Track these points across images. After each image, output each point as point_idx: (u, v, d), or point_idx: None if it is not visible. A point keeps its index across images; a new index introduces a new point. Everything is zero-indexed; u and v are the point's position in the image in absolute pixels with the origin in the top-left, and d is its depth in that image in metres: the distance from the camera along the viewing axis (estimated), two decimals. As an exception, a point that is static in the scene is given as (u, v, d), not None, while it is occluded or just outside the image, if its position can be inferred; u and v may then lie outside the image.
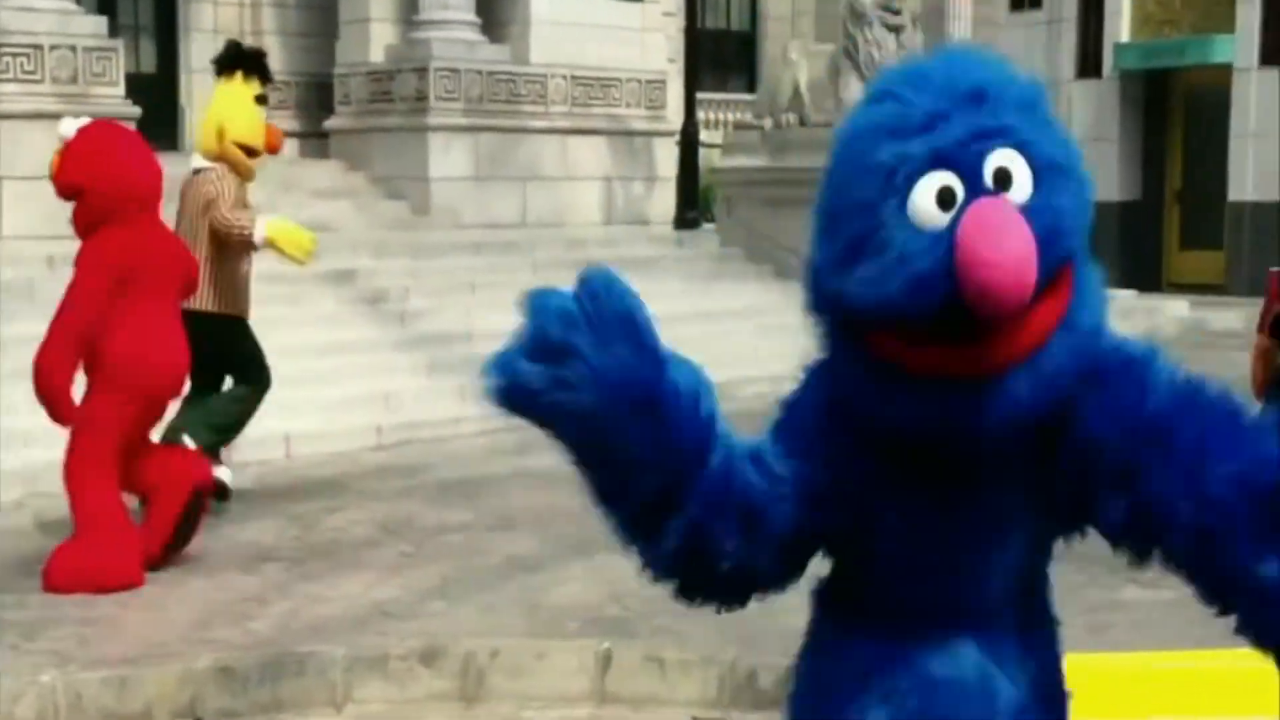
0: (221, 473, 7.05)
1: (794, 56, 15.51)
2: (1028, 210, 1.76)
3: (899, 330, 1.79)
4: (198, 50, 16.64)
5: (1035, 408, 1.83)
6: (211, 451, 6.97)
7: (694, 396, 1.85)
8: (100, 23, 13.76)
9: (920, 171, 1.79)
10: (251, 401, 7.27)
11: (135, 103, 13.44)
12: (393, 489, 7.89)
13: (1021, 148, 1.81)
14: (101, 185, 6.02)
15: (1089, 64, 21.24)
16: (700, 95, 18.70)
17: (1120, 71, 20.80)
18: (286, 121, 15.51)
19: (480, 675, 5.14)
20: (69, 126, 6.20)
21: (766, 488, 1.90)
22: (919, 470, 1.93)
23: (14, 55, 12.93)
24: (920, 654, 2.00)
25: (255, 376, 7.29)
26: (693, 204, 16.82)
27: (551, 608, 5.66)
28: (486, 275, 12.14)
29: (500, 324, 1.96)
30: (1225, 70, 19.31)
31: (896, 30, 13.97)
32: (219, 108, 7.47)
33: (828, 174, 1.93)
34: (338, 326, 10.82)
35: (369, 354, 10.28)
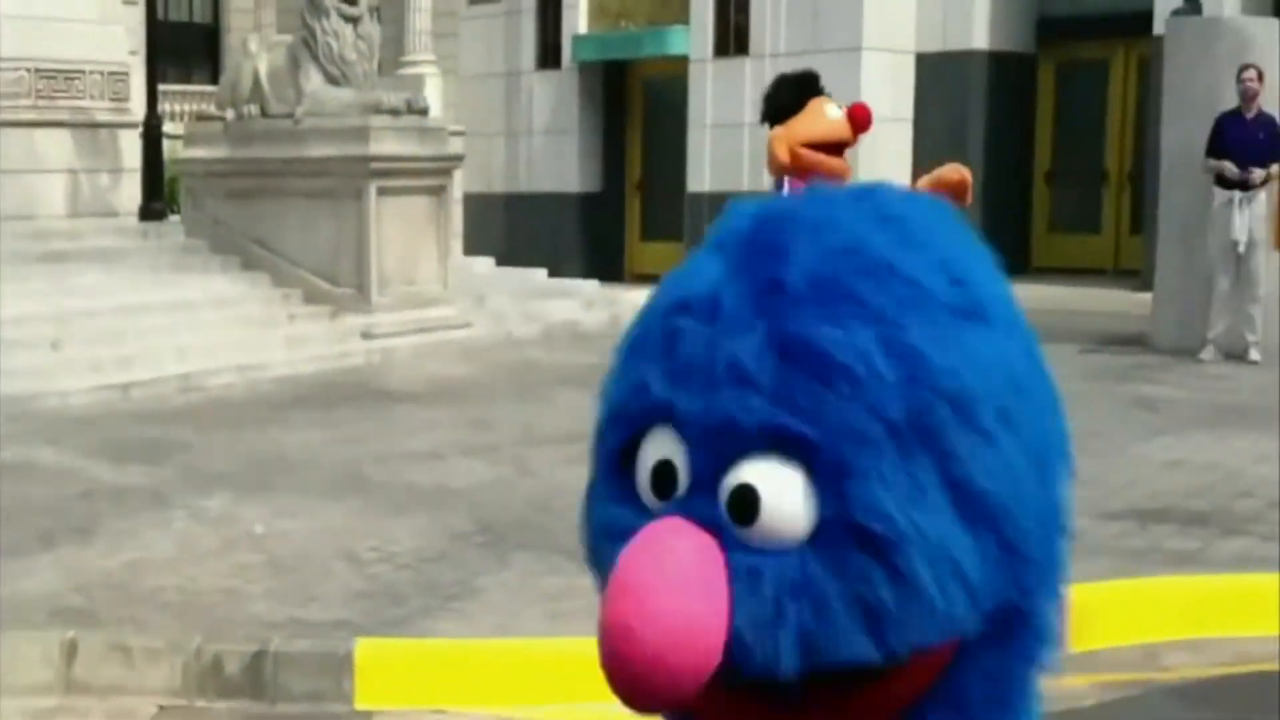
0: None
1: (254, 48, 15.39)
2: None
3: None
4: None
5: None
6: None
7: None
8: None
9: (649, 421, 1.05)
10: None
11: None
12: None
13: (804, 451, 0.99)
14: None
15: (548, 56, 21.09)
16: (163, 87, 18.36)
17: (579, 63, 20.72)
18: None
19: (-55, 666, 5.08)
20: None
21: None
22: None
23: None
24: None
25: None
26: (158, 195, 16.55)
27: (17, 598, 5.70)
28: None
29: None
30: (682, 62, 19.38)
31: (354, 21, 13.98)
32: None
33: None
34: None
35: None
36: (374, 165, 13.31)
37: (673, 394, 1.02)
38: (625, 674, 0.97)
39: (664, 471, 1.03)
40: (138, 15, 19.23)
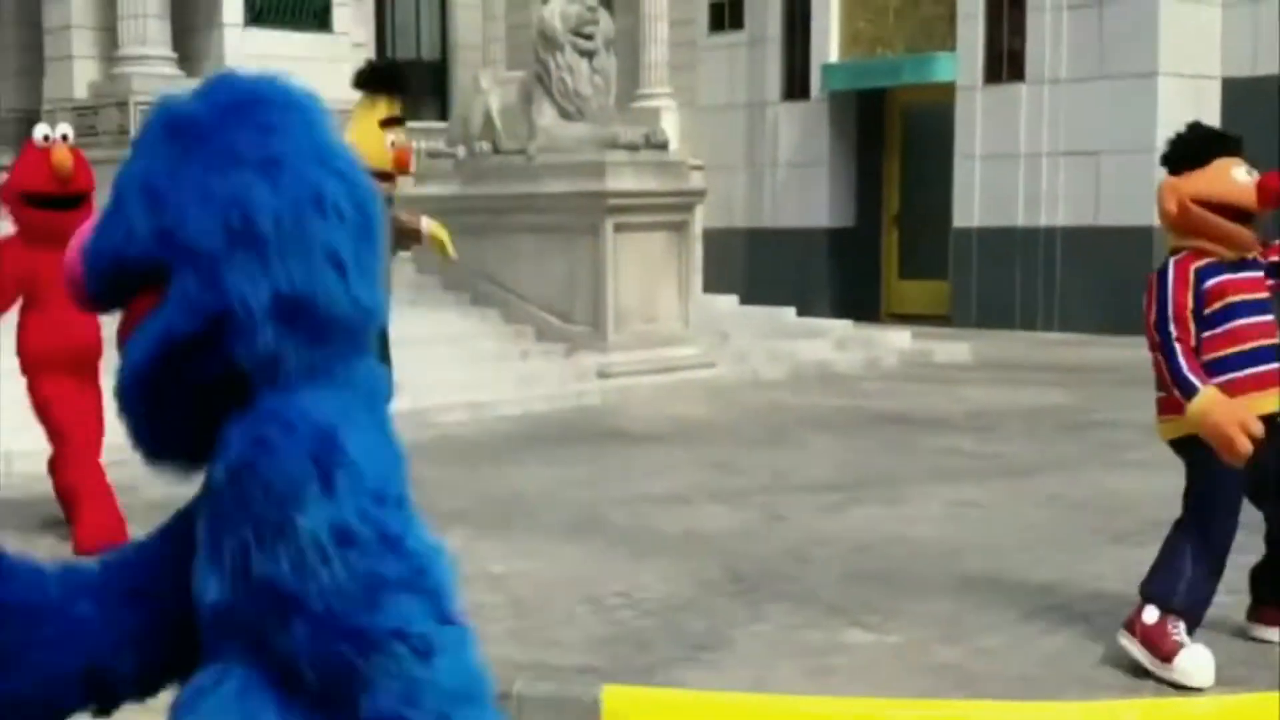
0: None
1: (485, 84, 15.78)
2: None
3: None
4: None
5: None
6: None
7: None
8: None
9: None
10: None
11: None
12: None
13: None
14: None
15: (795, 85, 21.13)
16: (392, 125, 18.88)
17: (830, 92, 20.70)
18: (6, 156, 15.83)
19: None
20: (67, 130, 6.59)
21: None
22: None
23: None
24: None
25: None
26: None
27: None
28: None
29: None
30: (947, 89, 19.22)
31: (589, 55, 14.26)
32: (355, 134, 7.69)
33: None
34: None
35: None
36: (611, 201, 13.52)
37: None
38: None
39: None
40: (366, 54, 19.96)
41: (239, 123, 1.80)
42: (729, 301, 17.20)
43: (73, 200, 6.97)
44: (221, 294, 1.71)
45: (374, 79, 8.14)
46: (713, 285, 18.29)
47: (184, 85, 16.06)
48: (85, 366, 7.18)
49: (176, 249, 1.73)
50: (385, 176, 7.86)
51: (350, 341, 1.79)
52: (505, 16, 25.88)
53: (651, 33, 23.42)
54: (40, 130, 7.00)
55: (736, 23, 22.04)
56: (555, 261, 13.93)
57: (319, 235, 1.75)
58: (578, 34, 14.11)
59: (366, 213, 1.83)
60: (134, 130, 16.28)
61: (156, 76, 16.48)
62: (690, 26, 22.73)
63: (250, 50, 17.46)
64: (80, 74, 17.34)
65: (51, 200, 7.01)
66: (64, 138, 6.97)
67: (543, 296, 13.94)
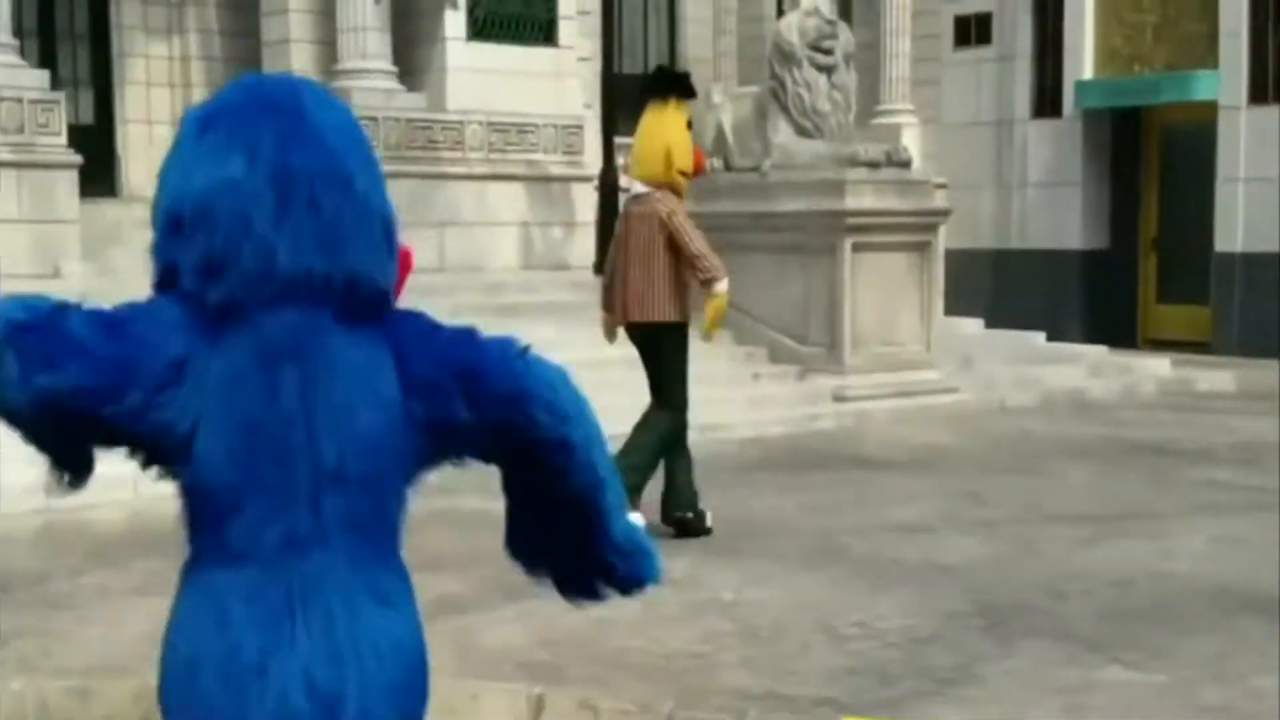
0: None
1: (718, 99, 15.75)
2: None
3: None
4: (132, 102, 17.97)
5: None
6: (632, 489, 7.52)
7: None
8: (43, 76, 14.77)
9: None
10: (666, 426, 8.08)
11: (75, 151, 14.36)
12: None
13: None
14: None
15: (1046, 102, 20.88)
16: (618, 140, 18.96)
17: (1083, 110, 20.40)
18: None
19: (412, 713, 5.29)
20: None
21: None
22: None
23: None
24: None
25: (674, 396, 8.09)
26: (612, 247, 17.09)
27: (483, 649, 5.93)
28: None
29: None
30: (1209, 108, 18.78)
31: (828, 70, 14.10)
32: (667, 135, 8.09)
33: None
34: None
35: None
36: (850, 221, 13.33)
37: None
38: None
39: None
40: (592, 68, 20.09)
41: None
42: (973, 325, 16.88)
43: None
44: None
45: (672, 84, 8.42)
46: (956, 308, 17.99)
47: (404, 99, 16.51)
48: None
49: None
50: (685, 176, 8.26)
51: None
52: (736, 30, 25.90)
53: (893, 47, 23.21)
54: None
55: (984, 38, 21.83)
56: (790, 282, 13.78)
57: None
58: (816, 48, 13.98)
59: None
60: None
61: (377, 90, 16.76)
62: (934, 41, 22.52)
63: (473, 64, 17.68)
64: (299, 88, 17.74)
65: None
66: None
67: (776, 317, 13.80)
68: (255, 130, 2.18)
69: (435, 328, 2.30)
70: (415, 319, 2.30)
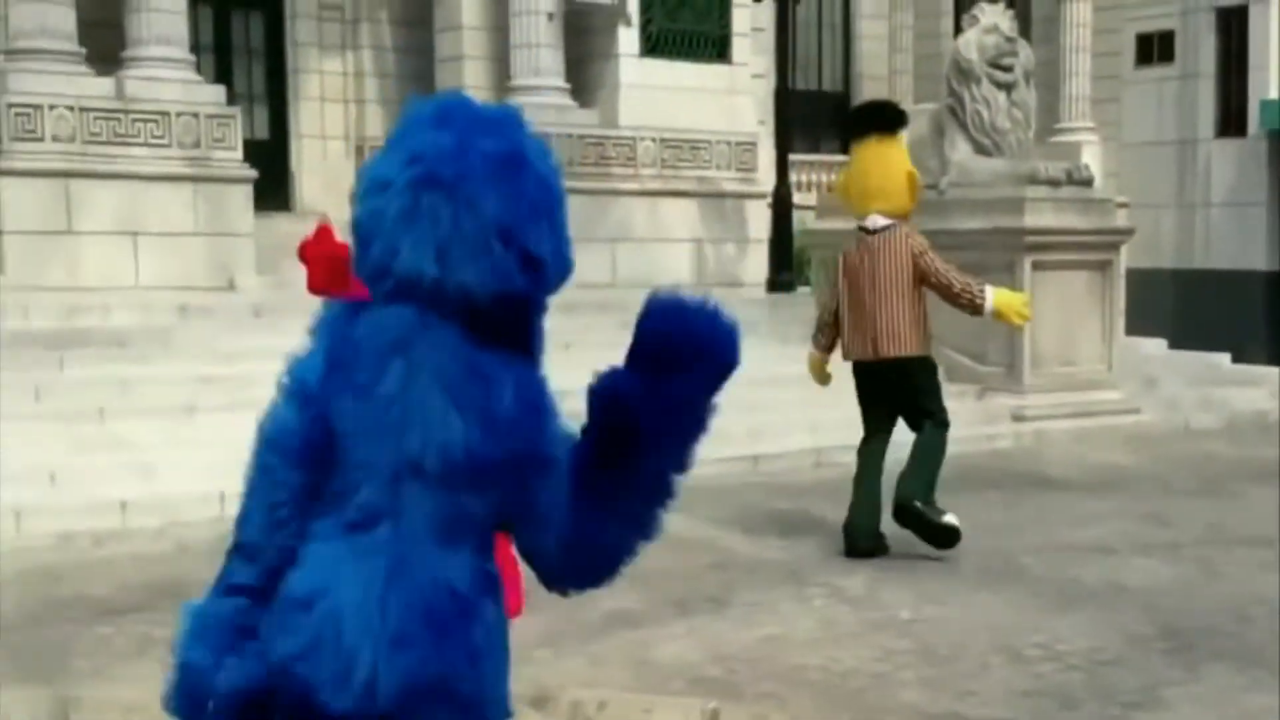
0: (949, 518, 7.87)
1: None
2: None
3: None
4: (306, 117, 18.33)
5: None
6: (929, 501, 7.85)
7: None
8: (219, 91, 15.20)
9: None
10: (943, 439, 8.15)
11: (250, 166, 14.81)
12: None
13: None
14: None
15: (1231, 122, 20.72)
16: (792, 157, 18.94)
17: (1268, 130, 20.14)
18: None
19: (588, 724, 5.34)
20: None
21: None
22: None
23: (144, 121, 14.34)
24: None
25: (942, 413, 8.16)
26: (786, 266, 17.08)
27: (656, 664, 5.93)
28: (580, 335, 12.40)
29: (593, 382, 2.55)
30: None
31: (1007, 87, 13.91)
32: (907, 166, 8.24)
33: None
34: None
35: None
36: (1029, 239, 13.15)
37: None
38: None
39: None
40: (766, 85, 20.07)
41: None
42: (1156, 345, 16.54)
43: None
44: None
45: (899, 118, 8.54)
46: (1137, 328, 17.67)
47: (576, 116, 16.60)
48: None
49: None
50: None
51: None
52: (913, 47, 25.74)
53: (1073, 65, 22.95)
54: None
55: (1166, 56, 21.66)
56: (968, 300, 13.61)
57: None
58: (995, 65, 13.79)
59: None
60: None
61: (549, 107, 16.88)
62: (1115, 59, 22.24)
63: (645, 80, 17.73)
64: (471, 103, 17.89)
65: None
66: None
67: (954, 336, 13.60)
68: (417, 140, 2.42)
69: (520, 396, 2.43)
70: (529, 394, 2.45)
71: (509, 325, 2.46)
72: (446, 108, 2.47)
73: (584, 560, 2.58)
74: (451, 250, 2.36)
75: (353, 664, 2.33)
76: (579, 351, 11.68)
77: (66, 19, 14.17)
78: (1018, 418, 12.82)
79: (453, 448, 2.35)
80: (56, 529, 8.28)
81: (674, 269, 16.70)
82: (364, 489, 2.39)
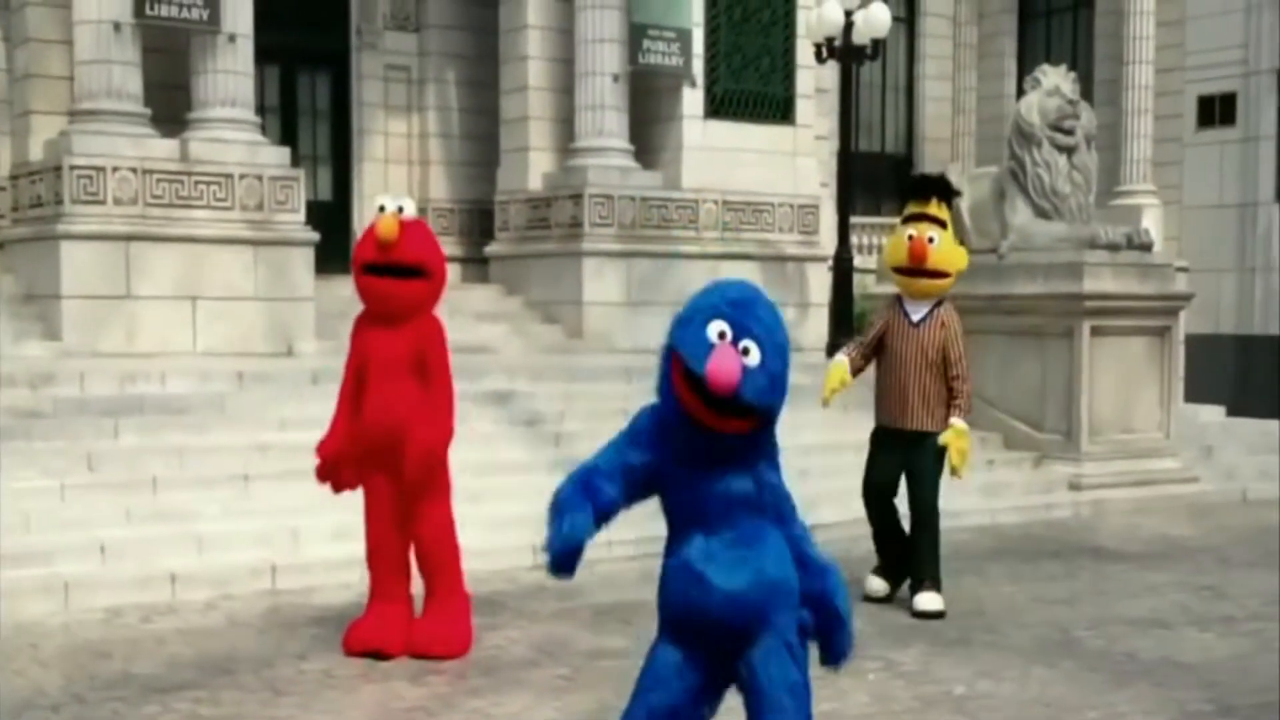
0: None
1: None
2: (754, 367, 4.01)
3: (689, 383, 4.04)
4: (370, 178, 18.52)
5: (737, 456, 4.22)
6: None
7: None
8: (284, 153, 15.19)
9: (711, 317, 4.06)
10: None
11: (313, 228, 14.89)
12: (549, 610, 8.31)
13: (757, 339, 4.04)
14: (441, 274, 7.00)
15: None
16: (854, 219, 18.97)
17: None
18: (450, 247, 16.46)
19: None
20: (405, 204, 6.89)
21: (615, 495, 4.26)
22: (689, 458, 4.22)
23: (206, 184, 14.34)
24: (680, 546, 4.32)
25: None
26: (846, 330, 17.07)
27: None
28: (638, 400, 12.44)
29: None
30: None
31: (1068, 151, 13.92)
32: (956, 242, 8.61)
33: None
34: (494, 446, 11.29)
35: (524, 474, 10.67)
36: (1088, 304, 13.14)
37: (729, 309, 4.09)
38: (718, 387, 3.95)
39: (723, 333, 4.03)
40: (829, 147, 20.13)
41: None
42: (1214, 412, 16.44)
43: (395, 270, 6.93)
44: None
45: (949, 189, 8.77)
46: (1196, 394, 17.58)
47: (639, 177, 16.65)
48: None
49: None
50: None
51: None
52: (975, 109, 25.77)
53: (1134, 127, 22.90)
54: (380, 200, 7.09)
55: (1228, 118, 21.48)
56: (1025, 366, 13.62)
57: None
58: (1057, 129, 13.79)
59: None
60: (587, 223, 16.79)
61: (613, 169, 16.99)
62: (1176, 122, 22.15)
63: (709, 142, 17.85)
64: (535, 165, 17.93)
65: (374, 268, 6.98)
66: (399, 210, 6.98)
67: (1011, 402, 13.64)
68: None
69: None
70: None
71: None
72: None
73: None
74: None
75: None
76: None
77: (133, 80, 14.30)
78: (1075, 486, 12.82)
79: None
80: (105, 603, 8.21)
81: (734, 333, 16.77)
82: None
